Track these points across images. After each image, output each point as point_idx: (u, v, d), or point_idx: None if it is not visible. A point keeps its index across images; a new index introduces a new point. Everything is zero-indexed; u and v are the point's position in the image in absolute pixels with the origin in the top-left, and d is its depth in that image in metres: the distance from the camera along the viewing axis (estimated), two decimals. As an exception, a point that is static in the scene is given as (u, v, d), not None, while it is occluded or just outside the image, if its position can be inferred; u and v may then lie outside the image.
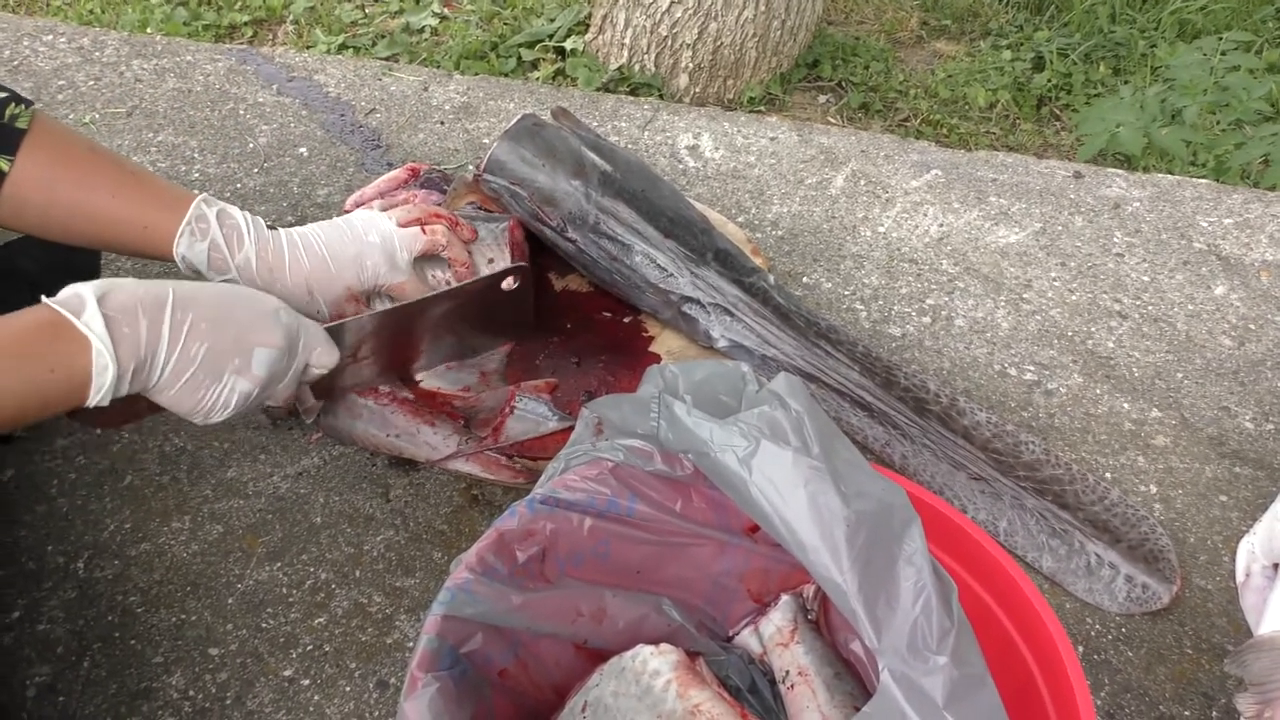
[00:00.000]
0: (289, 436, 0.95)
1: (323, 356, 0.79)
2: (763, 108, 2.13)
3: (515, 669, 0.67)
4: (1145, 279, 1.17)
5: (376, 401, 0.91)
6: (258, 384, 0.72)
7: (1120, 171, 1.35)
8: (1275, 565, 0.82)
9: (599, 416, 0.71)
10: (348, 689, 0.77)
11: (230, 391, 0.70)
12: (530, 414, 0.90)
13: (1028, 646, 0.67)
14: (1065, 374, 1.04)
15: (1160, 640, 0.83)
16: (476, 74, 1.59)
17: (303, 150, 1.30)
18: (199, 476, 0.91)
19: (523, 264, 0.94)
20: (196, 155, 1.28)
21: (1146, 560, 0.85)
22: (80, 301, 0.64)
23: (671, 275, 0.97)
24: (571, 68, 2.14)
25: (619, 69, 2.09)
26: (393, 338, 0.88)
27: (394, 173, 1.19)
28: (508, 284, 0.92)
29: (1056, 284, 1.16)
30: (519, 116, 1.03)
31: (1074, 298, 1.14)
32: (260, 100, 1.39)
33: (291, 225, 1.18)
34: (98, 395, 0.64)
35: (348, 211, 1.18)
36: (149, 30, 2.07)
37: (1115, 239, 1.22)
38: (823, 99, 2.22)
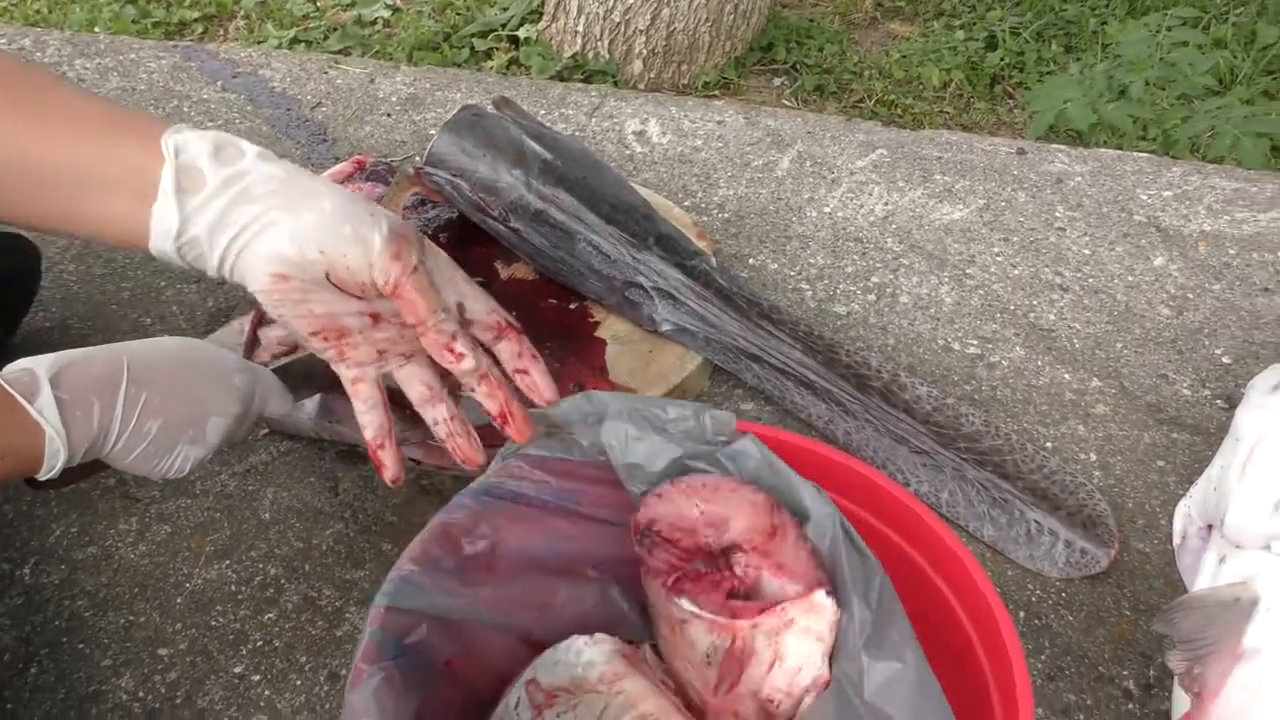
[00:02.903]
0: (236, 434, 0.95)
1: (277, 406, 0.76)
2: (717, 92, 2.14)
3: (462, 660, 0.68)
4: (1086, 252, 1.18)
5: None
6: (211, 449, 0.70)
7: (1063, 147, 1.37)
8: (1209, 527, 0.84)
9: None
10: (298, 683, 0.78)
11: (184, 460, 0.69)
12: (476, 404, 0.90)
13: (966, 614, 0.68)
14: (1008, 347, 1.06)
15: (1099, 603, 0.84)
16: (428, 65, 1.59)
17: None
18: (146, 478, 0.91)
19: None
20: (140, 155, 1.27)
21: (1085, 526, 0.86)
22: (33, 383, 0.61)
23: (614, 261, 0.97)
24: (525, 56, 2.15)
25: (573, 56, 2.10)
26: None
27: (340, 166, 1.19)
28: None
29: (999, 259, 1.17)
30: (459, 108, 1.03)
31: (1016, 272, 1.15)
32: (205, 97, 1.38)
33: (237, 222, 1.18)
34: (47, 474, 0.63)
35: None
36: (96, 30, 2.05)
37: (1057, 213, 1.24)
38: (778, 82, 2.23)
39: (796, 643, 0.65)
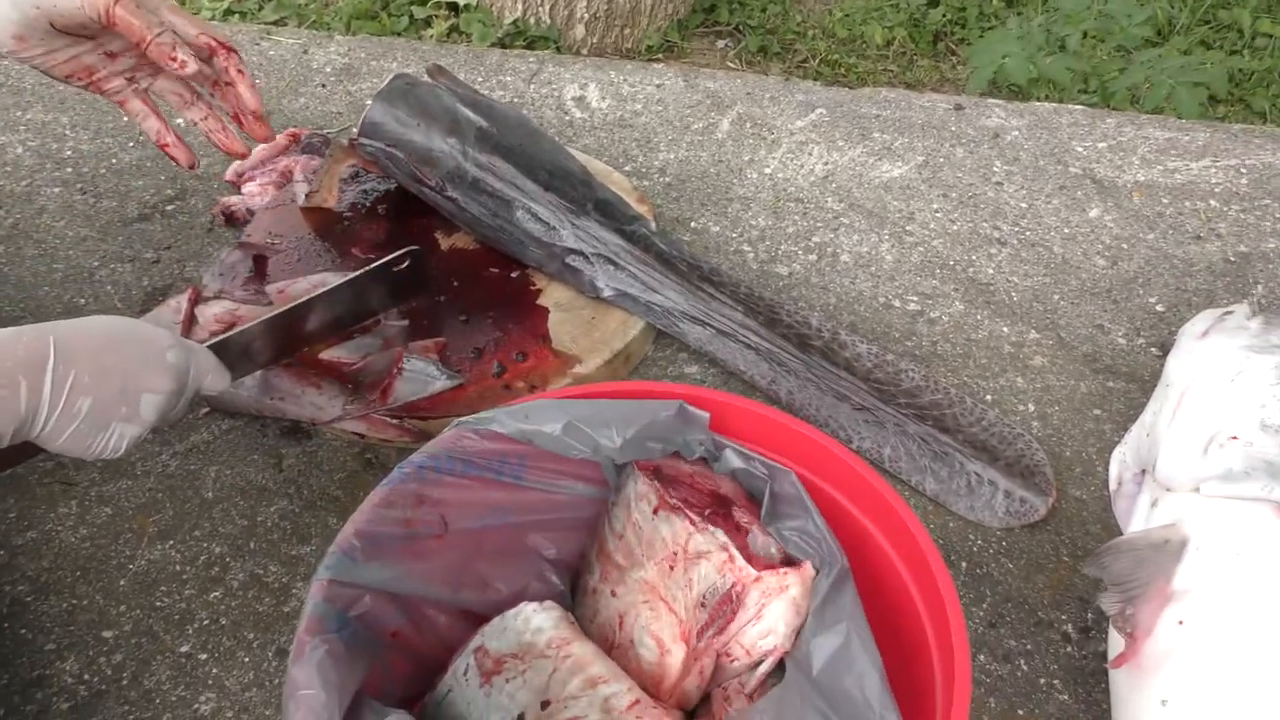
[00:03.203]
0: (176, 413, 0.94)
1: (215, 382, 0.76)
2: (661, 56, 2.13)
3: (408, 630, 0.68)
4: (1023, 205, 1.20)
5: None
6: (147, 427, 0.69)
7: (1000, 102, 1.38)
8: (1143, 472, 0.86)
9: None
10: (246, 660, 0.78)
11: (119, 438, 0.68)
12: (418, 374, 0.90)
13: (905, 568, 0.69)
14: (947, 302, 1.07)
15: (1039, 550, 0.86)
16: (365, 35, 1.56)
17: (179, 121, 1.27)
18: (84, 461, 0.90)
19: (416, 248, 0.91)
20: (68, 132, 1.24)
21: (1023, 475, 0.88)
22: None
23: (553, 228, 0.97)
24: (465, 24, 2.12)
25: (514, 23, 2.08)
26: (286, 335, 0.85)
27: (275, 139, 1.17)
28: (401, 266, 0.90)
29: (938, 215, 1.18)
30: (391, 77, 1.02)
31: (955, 227, 1.16)
32: (133, 73, 1.35)
33: (170, 199, 1.16)
34: None
35: (229, 181, 1.17)
36: (20, 6, 2.00)
37: (995, 168, 1.25)
38: (721, 44, 2.22)
39: (780, 607, 0.66)
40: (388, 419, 0.89)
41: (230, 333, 0.79)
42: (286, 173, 1.14)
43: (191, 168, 0.91)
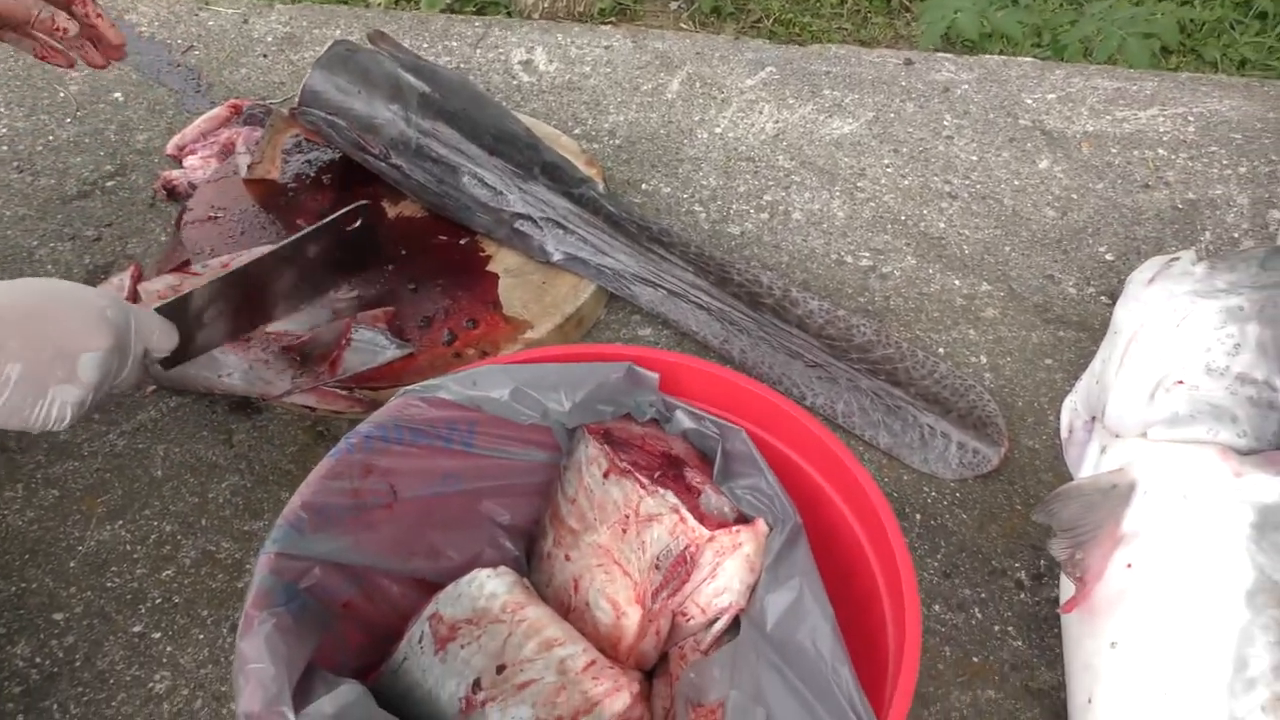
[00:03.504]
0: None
1: (161, 340, 0.73)
2: (614, 19, 2.11)
3: (360, 600, 0.67)
4: (974, 159, 1.20)
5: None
6: (90, 389, 0.67)
7: (950, 55, 1.37)
8: (1093, 419, 0.87)
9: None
10: (201, 637, 0.77)
11: (60, 405, 0.65)
12: (367, 345, 0.89)
13: (858, 523, 0.69)
14: (899, 257, 1.07)
15: (992, 500, 0.87)
16: (306, 2, 1.53)
17: (117, 95, 1.24)
18: (30, 443, 0.88)
19: (365, 202, 0.90)
20: (2, 109, 1.21)
21: (976, 427, 0.88)
22: None
23: (500, 193, 0.96)
24: (411, -11, 2.08)
25: (461, -13, 2.04)
26: (238, 299, 0.83)
27: (215, 111, 1.16)
28: (351, 224, 0.89)
29: (889, 170, 1.18)
30: (331, 43, 1.00)
31: (906, 182, 1.16)
32: (68, 47, 1.32)
33: (110, 174, 1.14)
34: None
35: (170, 155, 1.14)
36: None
37: (945, 122, 1.25)
38: (674, 5, 2.20)
39: (733, 565, 0.66)
40: (338, 391, 0.88)
41: (178, 296, 0.77)
42: (229, 145, 1.11)
43: (70, 65, 0.92)
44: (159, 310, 0.74)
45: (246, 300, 0.84)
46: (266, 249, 0.87)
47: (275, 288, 0.88)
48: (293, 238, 0.86)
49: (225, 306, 0.82)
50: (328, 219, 0.88)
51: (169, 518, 0.84)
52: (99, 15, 0.90)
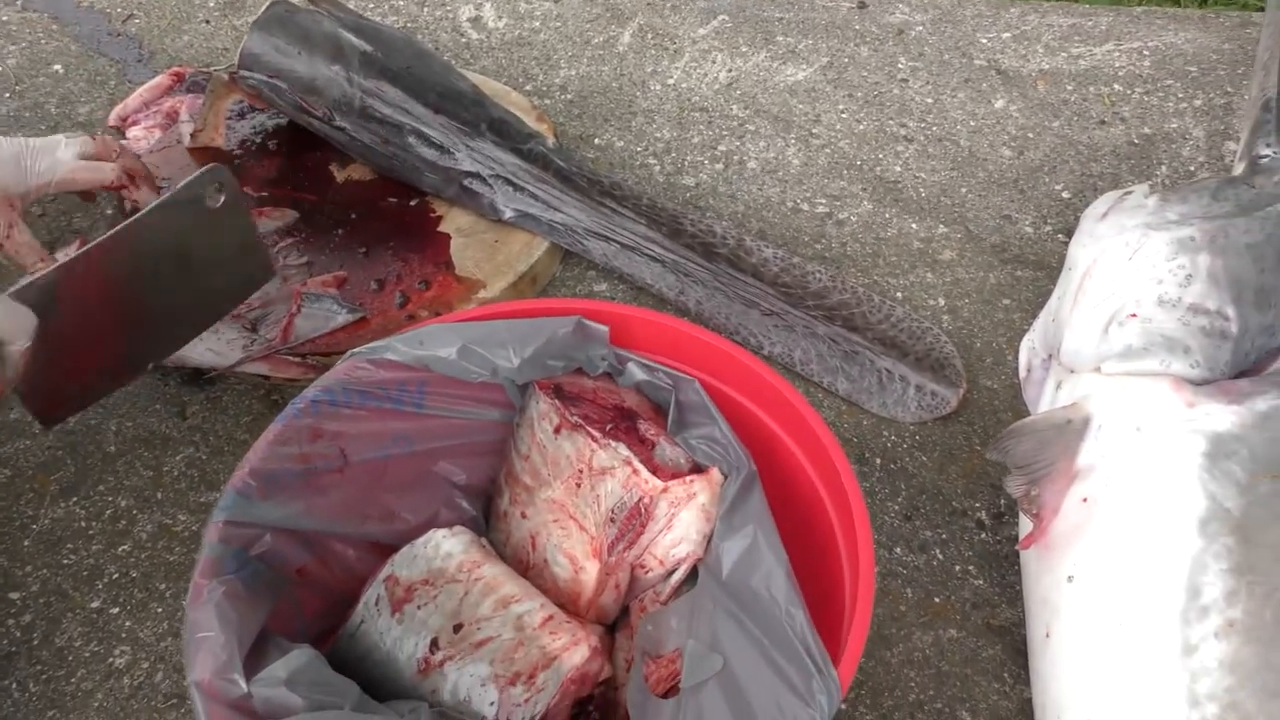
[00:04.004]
0: (72, 368, 0.91)
1: (9, 330, 0.66)
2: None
3: (314, 566, 0.67)
4: (929, 101, 1.19)
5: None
6: None
7: (904, -3, 1.36)
8: (1050, 356, 0.87)
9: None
10: (160, 610, 0.76)
11: None
12: (319, 311, 0.88)
13: (812, 466, 0.69)
14: (856, 203, 1.07)
15: (951, 442, 0.87)
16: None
17: (57, 67, 1.22)
18: (-24, 423, 0.87)
19: (217, 165, 0.76)
20: (-62, 86, 1.19)
21: (933, 369, 0.88)
22: None
23: (447, 151, 0.95)
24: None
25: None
26: (96, 302, 0.72)
27: (157, 80, 1.13)
28: (213, 198, 0.76)
29: (844, 116, 1.17)
30: (268, 4, 0.98)
31: (861, 127, 1.15)
32: (3, 19, 1.28)
33: (51, 149, 1.11)
34: None
35: (113, 126, 1.12)
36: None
37: (900, 65, 1.24)
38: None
39: (689, 516, 0.66)
40: (291, 358, 0.87)
41: (33, 278, 0.68)
42: (172, 113, 1.09)
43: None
44: (11, 295, 0.67)
45: (107, 299, 0.73)
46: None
47: (142, 286, 0.75)
48: (141, 212, 0.74)
49: (82, 310, 0.72)
50: (179, 186, 0.75)
51: (124, 493, 0.83)
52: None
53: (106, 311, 0.73)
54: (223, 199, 0.76)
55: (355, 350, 0.68)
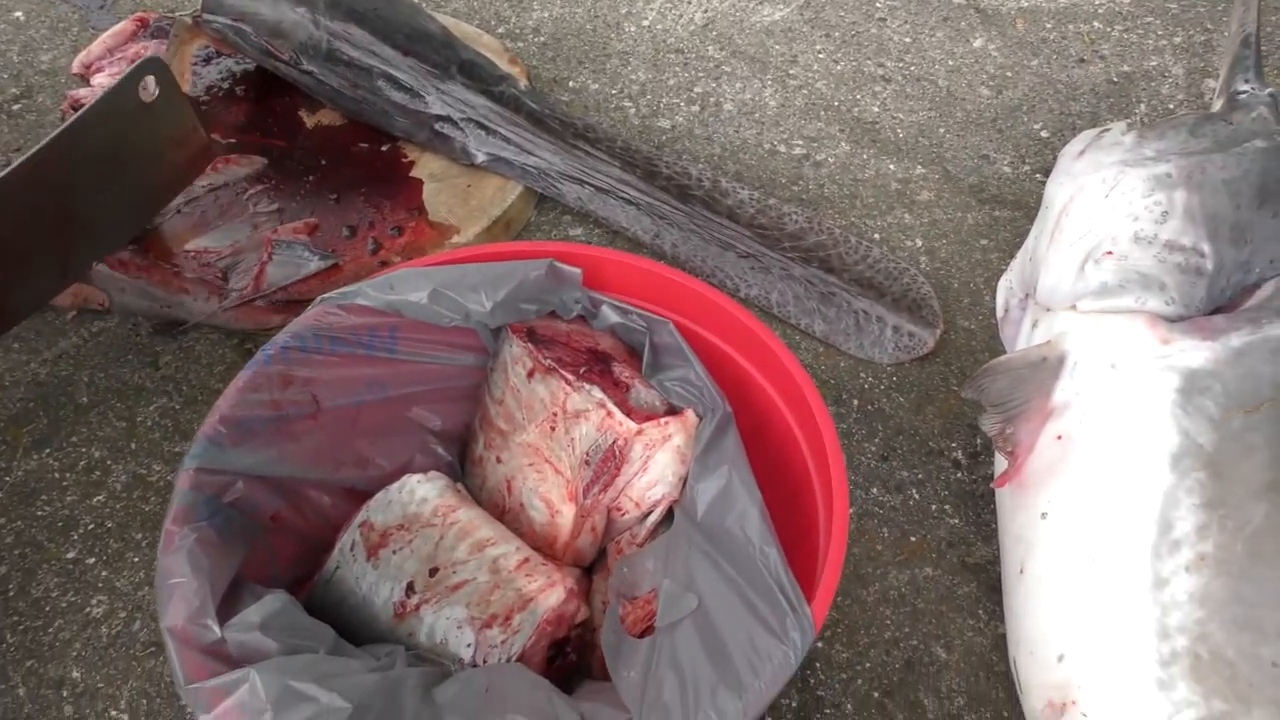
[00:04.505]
0: (41, 320, 0.90)
1: None
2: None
3: (288, 513, 0.67)
4: (907, 40, 1.17)
5: (128, 274, 0.86)
6: None
7: (883, -65, 1.34)
8: (1027, 296, 0.87)
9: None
10: (136, 560, 0.76)
11: None
12: (290, 258, 0.87)
13: (787, 406, 0.69)
14: (833, 144, 1.06)
15: (928, 383, 0.87)
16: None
17: (18, 14, 1.19)
18: (-53, 376, 0.86)
19: (153, 56, 0.76)
20: (-104, 34, 1.16)
21: (910, 310, 0.88)
22: None
23: (418, 95, 0.93)
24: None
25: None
26: (36, 209, 0.72)
27: (121, 25, 1.10)
28: (146, 92, 0.75)
29: (821, 56, 1.15)
30: (231, -56, 0.95)
31: (839, 68, 1.14)
32: (-39, -36, 1.25)
33: (15, 98, 1.09)
34: None
35: (76, 74, 1.09)
36: None
37: (878, 4, 1.22)
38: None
39: (665, 458, 0.66)
40: (265, 306, 0.86)
41: None
42: (136, 60, 1.07)
43: None
44: None
45: (46, 201, 0.72)
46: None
47: (80, 185, 0.74)
48: (64, 125, 0.72)
49: (26, 218, 0.71)
50: (113, 84, 0.73)
51: (97, 444, 0.82)
52: None
53: (47, 218, 0.73)
54: (157, 91, 0.75)
55: (325, 295, 0.67)
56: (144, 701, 0.69)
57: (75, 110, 1.04)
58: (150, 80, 0.75)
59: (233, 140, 0.98)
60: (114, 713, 0.69)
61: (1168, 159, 0.80)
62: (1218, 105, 0.89)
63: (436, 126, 0.93)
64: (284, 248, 0.87)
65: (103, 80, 1.07)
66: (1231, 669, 0.58)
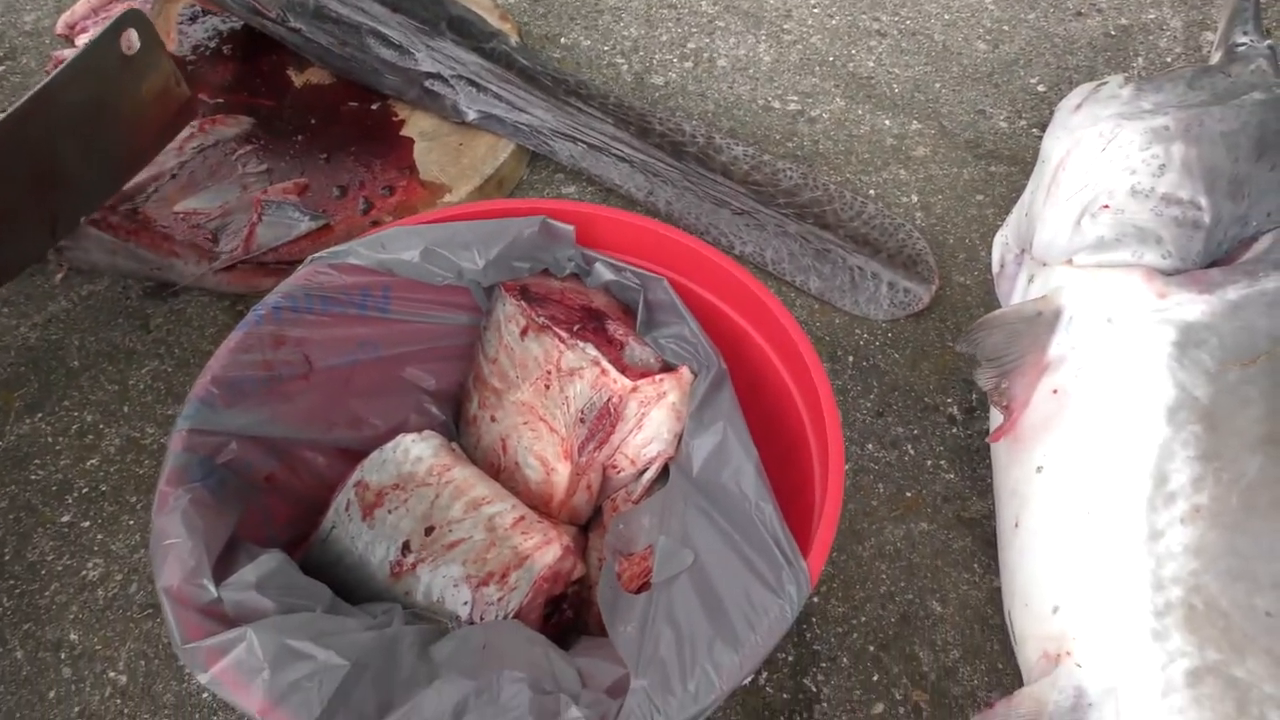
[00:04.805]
0: (30, 284, 0.89)
1: None
2: None
3: (283, 473, 0.66)
4: (903, -7, 1.16)
5: (118, 237, 0.85)
6: None
7: (877, -114, 1.32)
8: (1023, 251, 0.86)
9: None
10: (131, 522, 0.76)
11: None
12: (281, 218, 0.86)
13: (782, 362, 0.69)
14: (828, 100, 1.05)
15: (924, 338, 0.87)
16: None
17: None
18: (-63, 340, 0.85)
19: (132, 8, 0.74)
20: (-124, -5, 1.14)
21: (905, 266, 0.88)
22: None
23: (407, 52, 0.92)
24: None
25: None
26: (19, 168, 0.71)
27: (102, -15, 1.09)
28: (128, 45, 0.74)
29: (816, 11, 1.14)
30: (215, -101, 0.94)
31: (834, 22, 1.13)
32: (-59, -78, 1.23)
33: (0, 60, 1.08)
34: None
35: (61, 35, 1.08)
36: None
37: (873, -43, 1.20)
38: None
39: (659, 415, 0.65)
40: (253, 270, 0.85)
41: None
42: (121, 19, 1.05)
43: None
44: None
45: (32, 157, 0.71)
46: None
47: (61, 146, 0.73)
48: (43, 82, 0.70)
49: (9, 176, 0.71)
50: (81, 49, 0.72)
51: (89, 407, 0.82)
52: None
53: (32, 175, 0.73)
54: (139, 44, 0.74)
55: (316, 255, 0.67)
56: (142, 662, 0.69)
57: (60, 70, 1.03)
58: (132, 33, 0.74)
59: (220, 100, 0.97)
60: (112, 674, 0.69)
61: (1165, 112, 0.79)
62: (1216, 58, 0.89)
63: (427, 84, 0.92)
64: (274, 208, 0.86)
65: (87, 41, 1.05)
66: (1225, 619, 0.58)
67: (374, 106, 0.96)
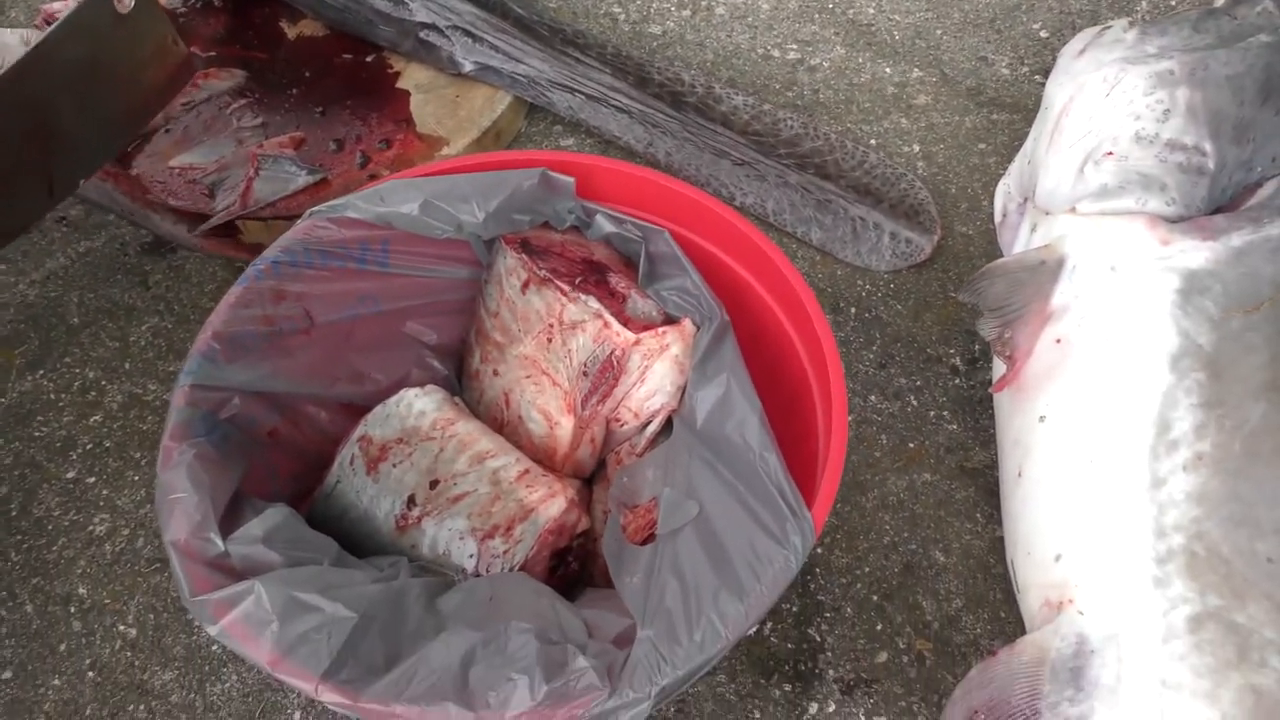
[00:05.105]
0: (27, 241, 0.88)
1: None
2: None
3: (286, 428, 0.66)
4: (904, -62, 1.14)
5: (99, 178, 0.84)
6: None
7: None
8: (1026, 200, 0.86)
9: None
10: (136, 478, 0.76)
11: None
12: (277, 173, 0.86)
13: (784, 312, 0.68)
14: (828, 48, 1.03)
15: (926, 289, 0.86)
16: None
17: None
18: (-64, 299, 0.85)
19: None
20: None
21: (908, 216, 0.87)
22: None
23: (401, 2, 0.90)
24: None
25: None
26: (14, 129, 0.71)
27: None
28: (122, 3, 0.73)
29: (816, -44, 1.12)
30: None
31: (834, -32, 1.11)
32: (-76, -127, 1.21)
33: (-15, 20, 1.06)
34: None
35: (45, 15, 1.06)
36: None
37: (873, -99, 1.18)
38: None
39: (663, 368, 0.65)
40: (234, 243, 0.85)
41: None
42: (111, -26, 1.04)
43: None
44: None
45: (30, 116, 0.71)
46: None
47: (60, 105, 0.72)
48: (37, 41, 0.69)
49: (5, 138, 0.70)
50: (74, 7, 0.71)
51: (91, 364, 0.82)
52: None
53: (29, 135, 0.72)
54: (133, 2, 0.73)
55: (314, 209, 0.66)
56: (150, 616, 0.70)
57: (49, 24, 1.01)
58: None
59: (212, 54, 0.96)
60: (122, 627, 0.69)
61: (1170, 55, 0.78)
62: (1221, 0, 0.87)
63: (421, 35, 0.91)
64: (270, 163, 0.85)
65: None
66: (1227, 565, 0.59)
67: (369, 59, 0.95)
